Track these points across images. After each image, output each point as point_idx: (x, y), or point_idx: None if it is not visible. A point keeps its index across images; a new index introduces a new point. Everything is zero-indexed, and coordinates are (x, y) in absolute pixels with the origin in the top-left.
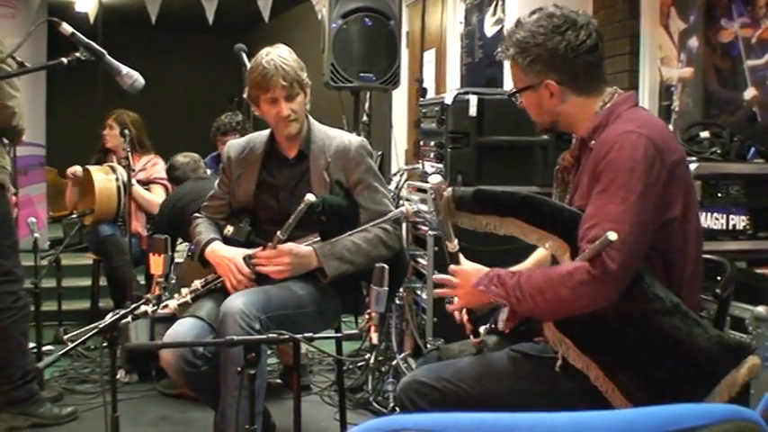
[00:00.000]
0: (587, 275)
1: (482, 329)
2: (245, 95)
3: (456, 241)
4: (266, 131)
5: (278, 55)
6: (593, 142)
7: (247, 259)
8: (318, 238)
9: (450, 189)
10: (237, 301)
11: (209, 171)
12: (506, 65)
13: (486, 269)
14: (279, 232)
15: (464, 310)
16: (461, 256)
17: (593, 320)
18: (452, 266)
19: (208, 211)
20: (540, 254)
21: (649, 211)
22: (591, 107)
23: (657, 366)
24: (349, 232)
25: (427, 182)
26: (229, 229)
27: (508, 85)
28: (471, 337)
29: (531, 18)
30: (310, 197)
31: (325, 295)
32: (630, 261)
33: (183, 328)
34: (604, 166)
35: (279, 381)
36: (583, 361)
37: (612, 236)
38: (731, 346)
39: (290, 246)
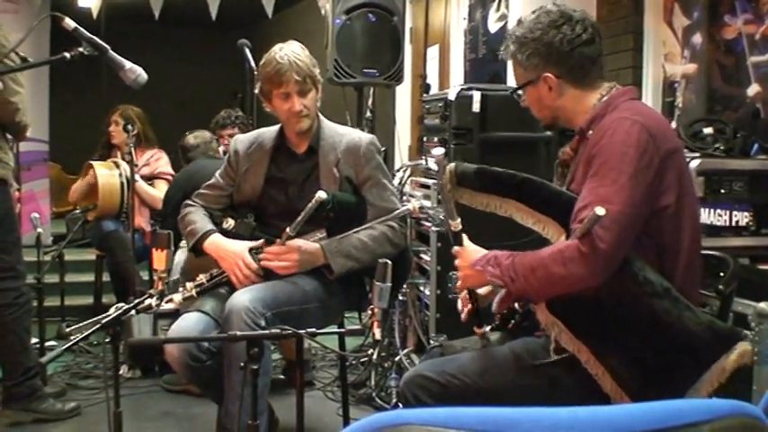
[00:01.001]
0: (577, 253)
1: (487, 328)
2: (256, 90)
3: (459, 220)
4: (275, 127)
5: (291, 50)
6: (590, 132)
7: (254, 254)
8: (325, 234)
9: (452, 164)
10: (243, 298)
11: None
12: (510, 64)
13: (485, 251)
14: (288, 228)
15: (464, 296)
16: (465, 237)
17: (585, 303)
18: (455, 248)
19: (204, 200)
20: None
21: (641, 193)
22: (588, 100)
23: (647, 350)
24: (355, 229)
25: (431, 177)
26: (230, 223)
27: (511, 81)
28: (474, 327)
29: (530, 16)
30: (321, 194)
31: (329, 291)
32: (620, 240)
33: (189, 323)
34: (597, 150)
35: (281, 377)
36: (574, 344)
37: (600, 211)
38: (722, 332)
39: (298, 243)
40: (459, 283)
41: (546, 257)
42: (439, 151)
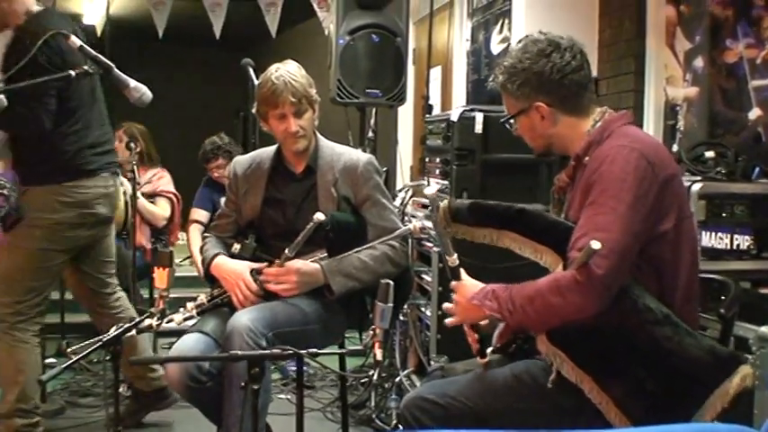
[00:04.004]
0: (573, 282)
1: (488, 351)
2: (253, 110)
3: (455, 255)
4: (272, 147)
5: (287, 71)
6: (587, 158)
7: (254, 275)
8: (325, 254)
9: (446, 201)
10: (244, 318)
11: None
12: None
13: (483, 285)
14: (287, 250)
15: (467, 327)
16: (462, 271)
17: (586, 332)
18: (453, 282)
19: (216, 231)
20: None
21: (639, 221)
22: (582, 127)
23: (650, 378)
24: (356, 249)
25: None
26: (236, 247)
27: None
28: (478, 357)
29: (517, 46)
30: (320, 216)
31: (330, 311)
32: (617, 268)
33: (189, 343)
34: (596, 178)
35: (281, 396)
36: (577, 374)
37: (596, 245)
38: (723, 356)
39: (297, 264)
40: (455, 318)
41: (543, 288)
42: (432, 189)
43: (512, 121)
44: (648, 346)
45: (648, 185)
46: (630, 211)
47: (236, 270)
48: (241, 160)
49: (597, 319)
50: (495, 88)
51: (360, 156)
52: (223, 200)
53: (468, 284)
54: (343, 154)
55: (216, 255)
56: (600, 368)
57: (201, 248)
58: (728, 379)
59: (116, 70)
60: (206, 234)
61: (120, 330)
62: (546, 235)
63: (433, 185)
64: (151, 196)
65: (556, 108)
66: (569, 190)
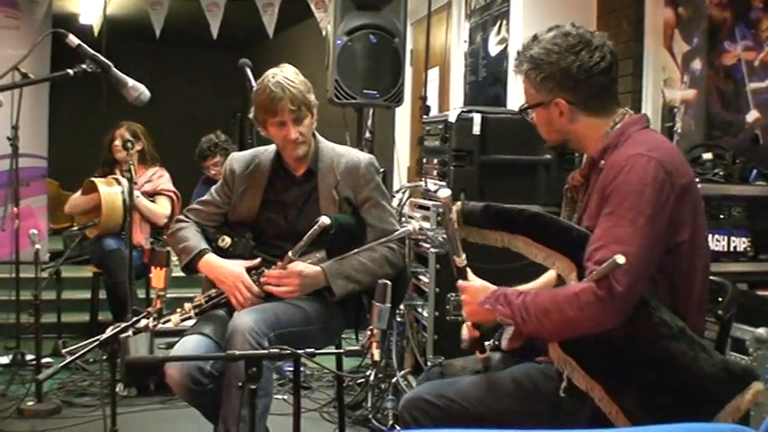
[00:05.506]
0: (593, 297)
1: (486, 344)
2: (250, 116)
3: (464, 256)
4: (272, 147)
5: (284, 77)
6: (602, 162)
7: (253, 275)
8: (324, 255)
9: (459, 203)
10: (247, 318)
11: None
12: (510, 83)
13: (493, 287)
14: (290, 252)
15: (470, 324)
16: (469, 271)
17: (599, 342)
18: (460, 282)
19: (198, 216)
20: (549, 275)
21: (658, 234)
22: (601, 127)
23: (662, 390)
24: (355, 250)
25: (430, 199)
26: (227, 241)
27: (511, 104)
28: (477, 353)
29: (547, 35)
30: (325, 220)
31: (329, 312)
32: (637, 284)
33: (190, 345)
34: (613, 188)
35: (278, 397)
36: (587, 382)
37: (621, 259)
38: (736, 372)
39: (299, 267)
40: (467, 319)
41: (561, 300)
42: (445, 193)
43: (528, 110)
44: (662, 359)
45: (666, 197)
46: (649, 223)
47: (233, 272)
48: (239, 158)
49: (612, 331)
50: (515, 73)
51: (361, 156)
52: None
53: (478, 285)
54: (343, 155)
55: (203, 251)
56: (611, 378)
57: (177, 233)
58: (741, 395)
59: (114, 69)
60: (181, 217)
61: (116, 330)
62: (559, 240)
63: (444, 190)
64: (152, 195)
65: (576, 106)
66: (583, 191)
